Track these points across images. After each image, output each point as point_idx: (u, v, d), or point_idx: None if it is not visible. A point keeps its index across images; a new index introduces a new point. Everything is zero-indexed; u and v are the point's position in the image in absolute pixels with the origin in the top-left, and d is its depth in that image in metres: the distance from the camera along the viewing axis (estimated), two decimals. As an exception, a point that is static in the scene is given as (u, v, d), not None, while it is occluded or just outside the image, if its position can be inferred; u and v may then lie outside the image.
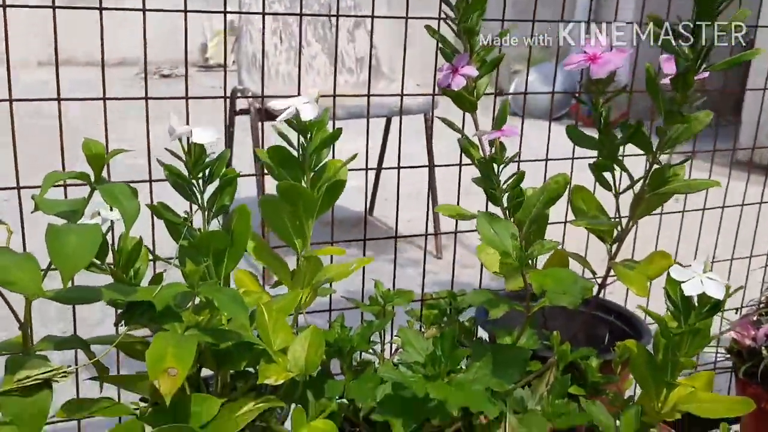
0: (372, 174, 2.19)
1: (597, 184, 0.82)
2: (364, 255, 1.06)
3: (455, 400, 0.62)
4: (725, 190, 1.20)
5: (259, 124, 1.66)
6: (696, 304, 0.68)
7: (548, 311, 0.97)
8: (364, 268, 1.07)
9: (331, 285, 1.01)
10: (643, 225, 1.03)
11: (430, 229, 1.91)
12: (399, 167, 0.96)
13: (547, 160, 1.01)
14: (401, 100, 0.93)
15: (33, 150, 0.66)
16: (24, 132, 0.81)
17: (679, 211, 1.12)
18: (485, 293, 0.69)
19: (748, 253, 1.25)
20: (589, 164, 0.72)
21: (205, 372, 0.76)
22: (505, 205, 0.71)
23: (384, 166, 2.16)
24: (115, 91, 0.83)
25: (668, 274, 0.67)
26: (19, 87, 0.79)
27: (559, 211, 1.00)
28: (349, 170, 0.76)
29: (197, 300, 0.76)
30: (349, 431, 0.87)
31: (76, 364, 0.83)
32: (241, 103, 1.80)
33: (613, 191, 0.73)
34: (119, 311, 0.66)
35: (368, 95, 0.91)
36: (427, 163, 1.88)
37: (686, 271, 0.66)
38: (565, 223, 1.04)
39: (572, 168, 0.98)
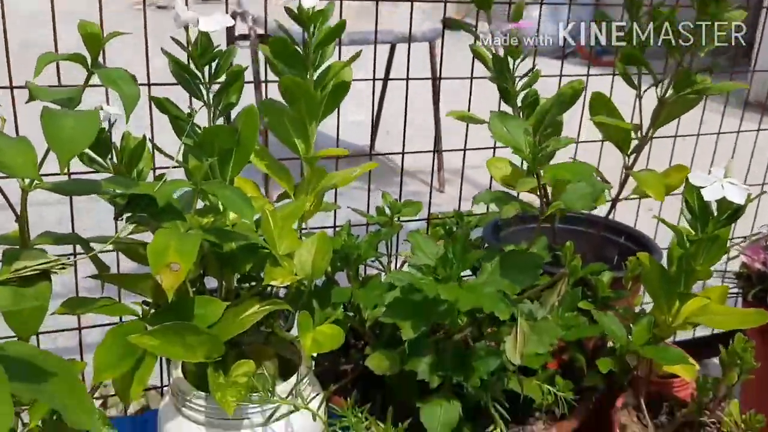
0: (373, 107, 2.15)
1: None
2: (368, 187, 1.04)
3: (466, 301, 0.60)
4: (738, 127, 1.18)
5: (259, 50, 1.61)
6: (715, 211, 0.66)
7: (558, 232, 0.96)
8: (368, 199, 1.05)
9: (336, 200, 0.99)
10: (656, 153, 1.01)
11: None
12: (407, 78, 0.92)
13: (561, 76, 0.97)
14: (411, 6, 0.89)
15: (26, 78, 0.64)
16: (17, 64, 0.78)
17: (694, 135, 1.09)
18: (496, 192, 0.67)
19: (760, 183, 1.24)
20: (617, 58, 0.69)
21: (210, 285, 0.75)
22: (519, 104, 0.68)
23: (386, 99, 2.11)
24: (109, 22, 0.79)
25: (687, 181, 0.65)
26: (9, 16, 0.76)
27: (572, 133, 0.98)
28: (352, 97, 0.73)
29: (201, 204, 0.74)
30: (354, 344, 0.87)
31: (75, 269, 0.82)
32: (241, 29, 1.75)
33: (637, 92, 0.70)
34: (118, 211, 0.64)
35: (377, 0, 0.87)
36: (432, 102, 1.84)
37: (706, 177, 0.63)
38: (577, 143, 1.02)
39: (587, 82, 0.95)
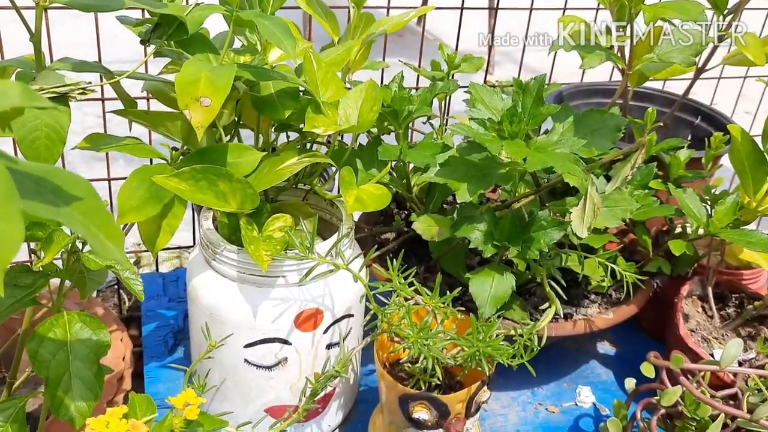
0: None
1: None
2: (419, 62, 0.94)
3: (535, 161, 0.52)
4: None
5: None
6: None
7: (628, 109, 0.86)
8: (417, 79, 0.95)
9: (384, 58, 0.90)
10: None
11: (484, 44, 1.75)
12: None
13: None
14: None
15: None
16: None
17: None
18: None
19: None
20: None
21: (246, 142, 0.68)
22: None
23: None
24: None
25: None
26: None
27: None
28: None
29: (238, 44, 0.66)
30: (397, 212, 0.81)
31: (103, 106, 0.76)
32: None
33: None
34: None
35: None
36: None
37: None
38: None
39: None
